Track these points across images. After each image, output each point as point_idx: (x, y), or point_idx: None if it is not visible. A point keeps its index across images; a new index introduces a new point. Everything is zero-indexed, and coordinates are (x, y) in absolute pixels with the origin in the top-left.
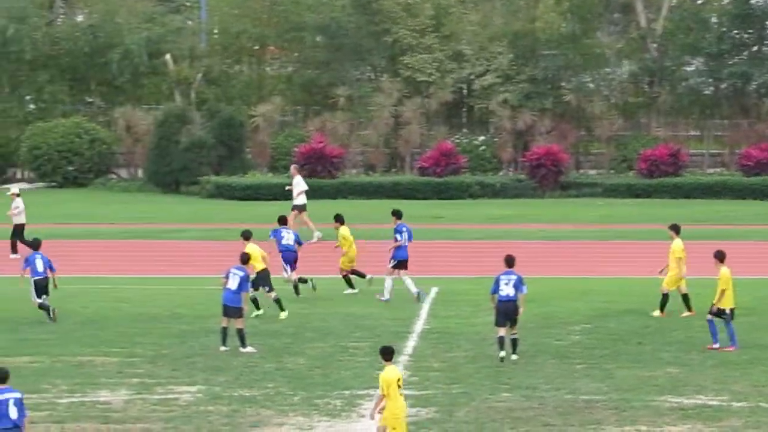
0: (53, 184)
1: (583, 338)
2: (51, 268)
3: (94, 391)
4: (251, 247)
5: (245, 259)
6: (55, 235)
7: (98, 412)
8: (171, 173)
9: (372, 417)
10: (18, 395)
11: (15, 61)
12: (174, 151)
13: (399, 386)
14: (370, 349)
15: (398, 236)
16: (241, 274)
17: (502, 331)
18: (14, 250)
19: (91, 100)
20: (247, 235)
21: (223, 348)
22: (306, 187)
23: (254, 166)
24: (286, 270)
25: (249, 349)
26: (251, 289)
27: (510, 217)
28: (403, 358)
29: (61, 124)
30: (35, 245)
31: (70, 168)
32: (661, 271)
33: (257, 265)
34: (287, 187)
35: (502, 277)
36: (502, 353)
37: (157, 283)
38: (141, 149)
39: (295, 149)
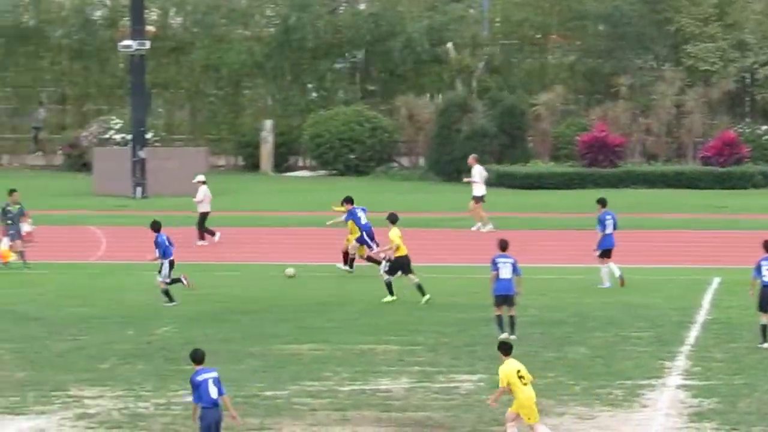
0: (334, 172)
1: None
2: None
3: (375, 379)
4: (394, 232)
5: (504, 245)
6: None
7: (379, 400)
8: (452, 162)
9: (493, 403)
10: (215, 375)
11: (297, 50)
12: (455, 140)
13: (520, 377)
14: (653, 339)
15: (599, 226)
16: (511, 260)
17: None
18: (203, 237)
19: (372, 88)
20: (393, 219)
21: (512, 336)
22: (486, 175)
23: (536, 154)
24: (370, 247)
25: (512, 336)
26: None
27: None
28: (684, 348)
29: (343, 113)
30: (156, 227)
31: (352, 156)
32: None
33: (401, 249)
34: (465, 179)
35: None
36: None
37: (434, 272)
38: (422, 138)
39: (577, 138)
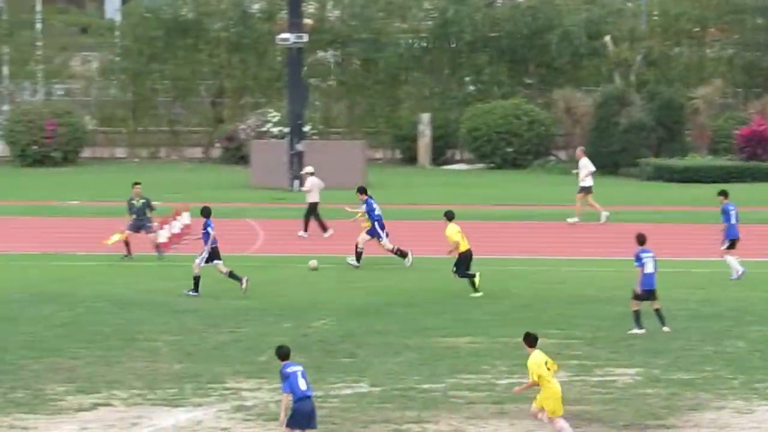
0: (491, 165)
1: None
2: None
3: None
4: (452, 228)
5: (642, 240)
6: (485, 217)
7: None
8: (610, 155)
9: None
10: (302, 369)
11: (455, 43)
12: (613, 133)
13: (548, 369)
14: None
15: (723, 217)
16: (652, 254)
17: None
18: (306, 228)
19: (529, 81)
20: (450, 216)
21: (665, 329)
22: (593, 169)
23: (694, 148)
24: (380, 237)
25: (641, 330)
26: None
27: None
28: None
29: (500, 106)
30: (206, 213)
31: (509, 149)
32: None
33: (462, 244)
34: (573, 171)
35: None
36: None
37: (596, 266)
38: (580, 131)
39: (736, 132)
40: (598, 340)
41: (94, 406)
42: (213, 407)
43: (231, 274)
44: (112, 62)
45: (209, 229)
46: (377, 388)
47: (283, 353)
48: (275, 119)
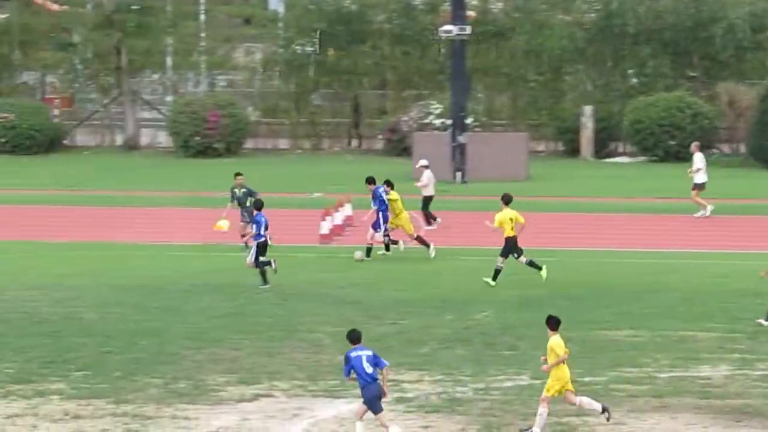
0: (654, 158)
1: None
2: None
3: (694, 366)
4: (505, 213)
5: None
6: (646, 209)
7: (698, 387)
8: None
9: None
10: (370, 353)
11: (618, 35)
12: None
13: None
14: None
15: None
16: None
17: None
18: (428, 222)
19: (693, 74)
20: (507, 200)
21: None
22: (702, 166)
23: None
24: (379, 229)
25: None
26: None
27: None
28: None
29: (663, 99)
30: (259, 206)
31: (672, 142)
32: None
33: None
34: (689, 171)
35: None
36: None
37: (759, 260)
38: (743, 124)
39: None
40: (760, 334)
41: (256, 396)
42: None
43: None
44: (275, 53)
45: (260, 221)
46: (538, 381)
47: (354, 337)
48: (438, 111)
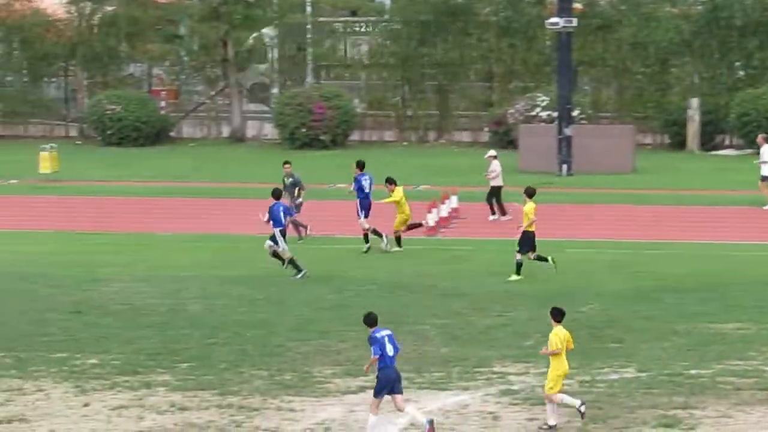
0: None
1: None
2: (290, 214)
3: None
4: (530, 206)
5: None
6: (753, 202)
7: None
8: None
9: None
10: (390, 332)
11: (725, 28)
12: None
13: (567, 347)
14: None
15: None
16: None
17: None
18: (494, 211)
19: None
20: (530, 193)
21: None
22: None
23: None
24: (359, 216)
25: None
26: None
27: None
28: None
29: None
30: (276, 195)
31: None
32: None
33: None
34: (755, 162)
35: None
36: None
37: None
38: None
39: None
40: None
41: (361, 388)
42: (479, 391)
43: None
44: (381, 46)
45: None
46: (644, 374)
47: (370, 320)
48: (544, 103)
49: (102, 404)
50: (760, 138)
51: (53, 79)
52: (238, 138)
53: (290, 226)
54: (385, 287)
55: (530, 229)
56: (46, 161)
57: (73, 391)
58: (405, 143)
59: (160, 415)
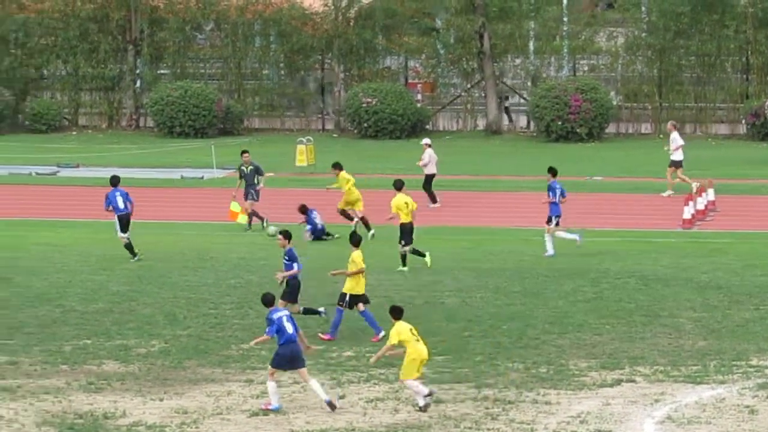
0: None
1: None
2: (130, 202)
3: None
4: (399, 198)
5: None
6: None
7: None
8: None
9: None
10: (287, 313)
11: None
12: None
13: (413, 334)
14: None
15: None
16: None
17: None
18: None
19: None
20: (398, 185)
21: None
22: (682, 143)
23: None
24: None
25: None
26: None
27: None
28: None
29: None
30: (114, 182)
31: None
32: None
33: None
34: (666, 147)
35: None
36: None
37: None
38: None
39: None
40: None
41: (617, 381)
42: (736, 384)
43: None
44: (638, 38)
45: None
46: None
47: (268, 300)
48: None
49: (357, 396)
50: (669, 125)
51: (309, 73)
52: (493, 131)
53: (250, 213)
54: (642, 280)
55: (407, 221)
56: (302, 154)
57: (329, 383)
58: (661, 136)
59: (414, 408)
